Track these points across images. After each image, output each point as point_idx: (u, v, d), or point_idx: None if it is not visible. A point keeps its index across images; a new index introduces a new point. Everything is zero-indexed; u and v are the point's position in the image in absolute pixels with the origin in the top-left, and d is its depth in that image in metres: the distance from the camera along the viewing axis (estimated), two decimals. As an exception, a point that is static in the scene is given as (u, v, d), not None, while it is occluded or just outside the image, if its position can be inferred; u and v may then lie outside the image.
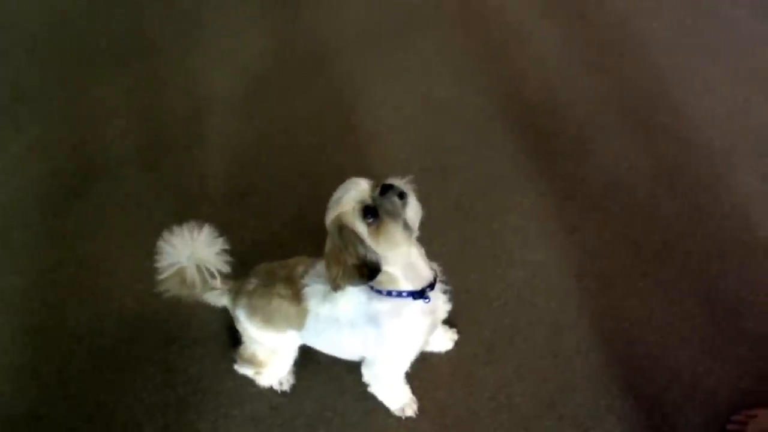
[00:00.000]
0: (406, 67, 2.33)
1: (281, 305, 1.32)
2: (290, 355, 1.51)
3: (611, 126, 2.12)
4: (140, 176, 2.06)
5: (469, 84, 2.26)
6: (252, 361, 1.49)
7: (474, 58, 2.35)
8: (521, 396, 1.58)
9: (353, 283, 1.14)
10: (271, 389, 1.59)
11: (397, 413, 1.55)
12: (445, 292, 1.35)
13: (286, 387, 1.60)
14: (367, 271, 1.12)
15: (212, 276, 1.37)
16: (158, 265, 1.32)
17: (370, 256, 1.11)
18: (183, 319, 1.73)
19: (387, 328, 1.25)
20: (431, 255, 1.66)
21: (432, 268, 1.27)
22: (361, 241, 1.10)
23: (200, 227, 1.32)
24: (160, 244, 1.31)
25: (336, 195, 1.12)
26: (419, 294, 1.22)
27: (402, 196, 1.11)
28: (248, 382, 1.59)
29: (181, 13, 2.60)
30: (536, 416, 1.55)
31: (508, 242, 1.85)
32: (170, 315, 1.75)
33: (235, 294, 1.41)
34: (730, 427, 1.51)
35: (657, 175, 1.98)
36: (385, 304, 1.22)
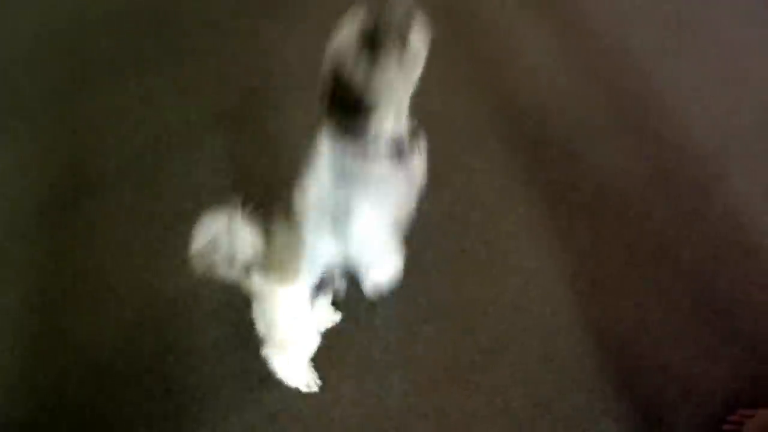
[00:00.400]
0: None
1: (279, 231, 1.29)
2: (311, 321, 1.48)
3: (603, 132, 2.14)
4: (136, 188, 2.07)
5: (459, 93, 2.28)
6: (279, 341, 1.45)
7: (464, 67, 2.37)
8: (518, 400, 1.59)
9: (338, 119, 1.08)
10: (272, 394, 1.60)
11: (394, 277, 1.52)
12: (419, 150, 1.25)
13: (315, 387, 1.61)
14: (353, 106, 1.04)
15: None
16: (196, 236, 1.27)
17: (362, 90, 1.02)
18: (181, 329, 1.74)
19: (362, 183, 1.19)
20: (426, 264, 1.68)
21: (411, 123, 1.18)
22: (357, 73, 1.01)
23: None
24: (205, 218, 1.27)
25: (337, 31, 1.02)
26: (395, 147, 1.14)
27: (406, 23, 1.00)
28: (246, 389, 1.61)
29: (174, 30, 2.62)
30: (533, 419, 1.56)
31: (502, 249, 1.87)
32: (168, 324, 1.75)
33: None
34: (725, 427, 1.52)
35: (649, 178, 2.01)
36: (359, 159, 1.15)
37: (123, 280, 1.86)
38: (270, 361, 1.56)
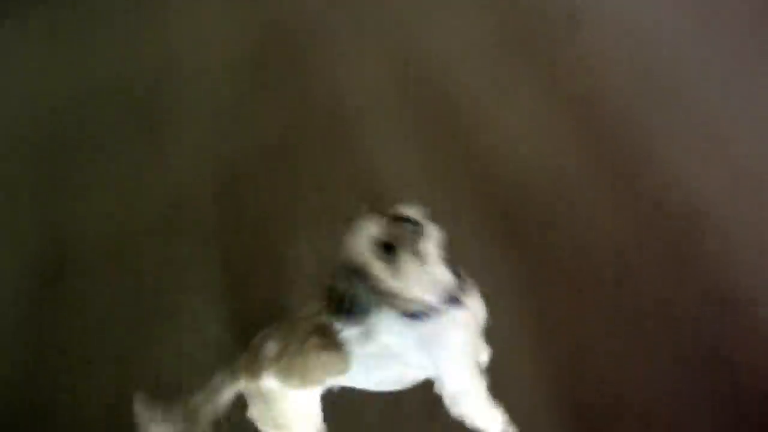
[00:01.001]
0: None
1: (320, 357, 1.31)
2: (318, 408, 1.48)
3: (580, 197, 2.12)
4: (118, 264, 2.12)
5: (438, 171, 2.30)
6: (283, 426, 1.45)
7: (443, 146, 2.40)
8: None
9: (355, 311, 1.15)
10: None
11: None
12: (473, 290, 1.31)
13: None
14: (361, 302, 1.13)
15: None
16: None
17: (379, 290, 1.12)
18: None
19: (435, 349, 1.26)
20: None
21: (455, 272, 1.24)
22: (373, 277, 1.11)
23: None
24: None
25: (348, 240, 1.14)
26: (448, 303, 1.21)
27: (417, 225, 1.13)
28: None
29: (146, 109, 2.69)
30: None
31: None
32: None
33: (251, 368, 1.36)
34: None
35: (628, 242, 1.97)
36: (424, 326, 1.22)
37: (103, 355, 1.88)
38: None
